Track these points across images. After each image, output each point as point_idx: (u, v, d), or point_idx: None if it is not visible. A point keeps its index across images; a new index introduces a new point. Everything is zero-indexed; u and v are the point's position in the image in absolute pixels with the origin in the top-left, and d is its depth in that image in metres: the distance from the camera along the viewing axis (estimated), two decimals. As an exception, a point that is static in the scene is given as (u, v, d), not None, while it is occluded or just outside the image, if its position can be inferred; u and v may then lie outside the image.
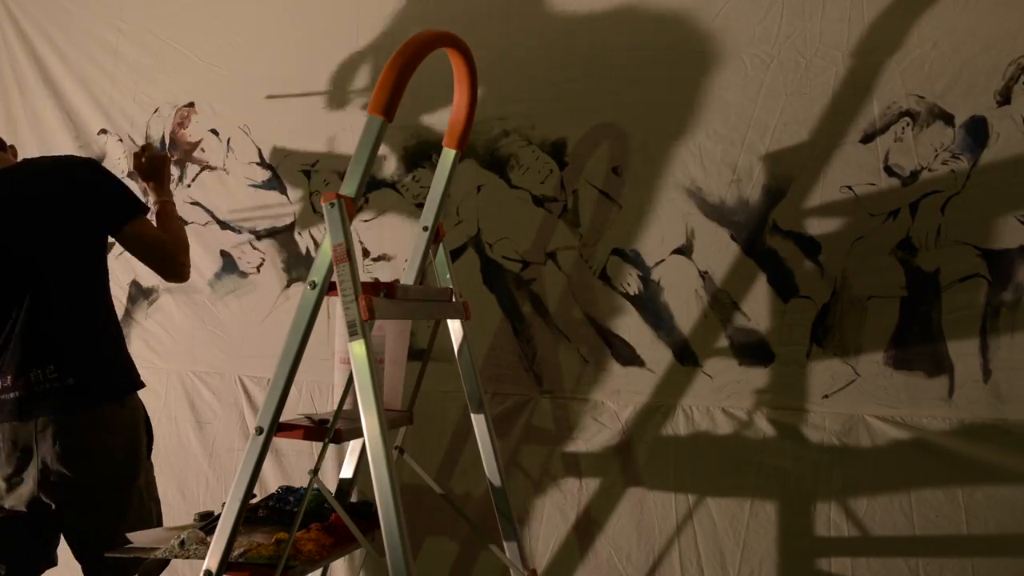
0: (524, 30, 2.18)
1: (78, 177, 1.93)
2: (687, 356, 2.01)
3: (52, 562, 1.99)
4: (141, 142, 2.71)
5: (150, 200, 2.19)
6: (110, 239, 1.99)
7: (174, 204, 2.17)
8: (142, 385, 1.99)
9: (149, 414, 2.03)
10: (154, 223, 2.07)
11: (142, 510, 1.94)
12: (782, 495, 1.91)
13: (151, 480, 2.02)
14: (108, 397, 1.88)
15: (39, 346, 1.84)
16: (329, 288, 1.49)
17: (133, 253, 1.99)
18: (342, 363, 1.74)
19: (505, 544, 1.80)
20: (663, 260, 2.04)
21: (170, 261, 2.00)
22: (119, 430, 1.90)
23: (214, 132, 2.58)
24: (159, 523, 2.00)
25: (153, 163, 2.15)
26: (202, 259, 2.57)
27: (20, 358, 1.83)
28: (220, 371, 2.52)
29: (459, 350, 1.81)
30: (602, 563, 2.06)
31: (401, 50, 1.52)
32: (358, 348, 1.40)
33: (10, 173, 1.96)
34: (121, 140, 2.74)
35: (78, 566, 1.95)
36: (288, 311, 2.40)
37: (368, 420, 1.38)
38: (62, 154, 2.06)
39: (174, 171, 2.64)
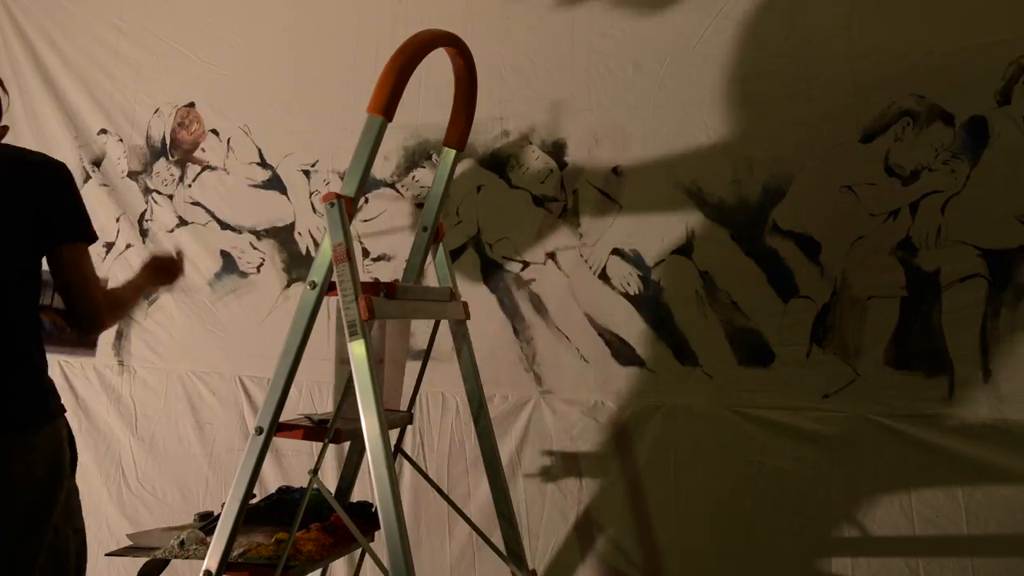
0: (524, 30, 2.18)
1: (37, 181, 1.65)
2: (687, 356, 2.01)
3: None
4: (140, 142, 2.70)
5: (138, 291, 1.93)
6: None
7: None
8: (52, 418, 1.67)
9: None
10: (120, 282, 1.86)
11: (57, 541, 1.66)
12: (782, 495, 1.91)
13: (74, 506, 1.74)
14: (18, 425, 1.60)
15: None
16: (329, 288, 1.49)
17: (58, 279, 1.65)
18: (342, 363, 1.74)
19: (505, 544, 1.80)
20: (663, 260, 2.04)
21: (93, 311, 1.66)
22: (34, 458, 1.62)
23: (214, 132, 2.58)
24: (80, 556, 1.72)
25: (172, 268, 1.95)
26: (202, 259, 2.57)
27: None
28: (220, 371, 2.52)
29: (459, 350, 1.81)
30: (602, 563, 2.06)
31: (401, 50, 1.52)
32: (358, 348, 1.40)
33: None
34: (121, 140, 2.74)
35: None
36: (288, 311, 2.40)
37: (368, 420, 1.38)
38: (33, 150, 1.75)
39: (175, 171, 2.64)
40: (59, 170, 1.70)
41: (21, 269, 1.64)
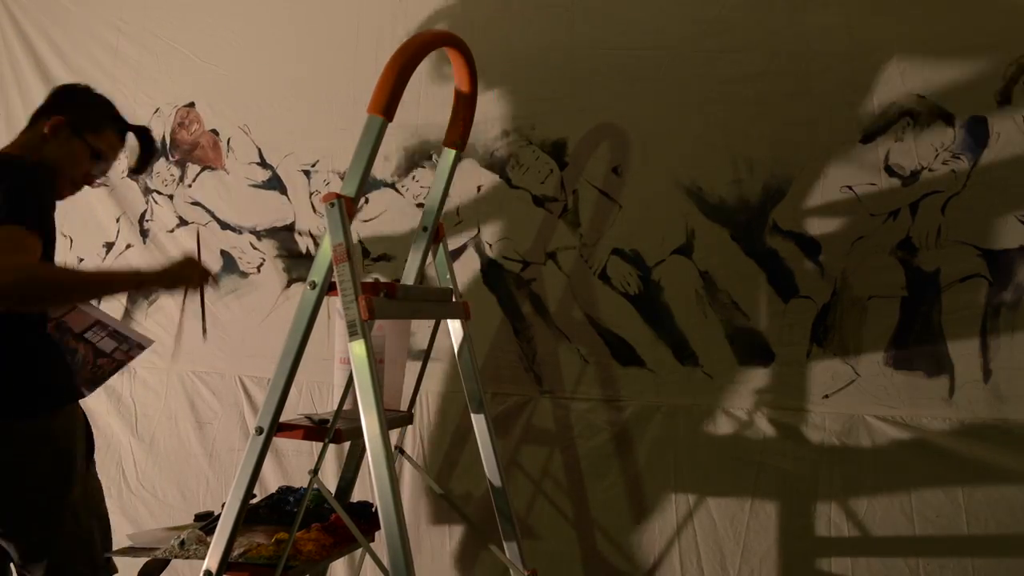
0: (524, 30, 2.18)
1: None
2: (687, 356, 2.01)
3: None
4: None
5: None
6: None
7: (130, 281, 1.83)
8: (67, 401, 1.77)
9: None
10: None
11: (78, 527, 1.75)
12: (782, 495, 1.91)
13: (92, 494, 1.83)
14: (24, 413, 1.68)
15: None
16: (329, 288, 1.49)
17: None
18: (342, 363, 1.74)
19: (505, 544, 1.80)
20: (663, 260, 2.04)
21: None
22: (43, 444, 1.70)
23: (214, 132, 2.58)
24: (105, 542, 1.82)
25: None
26: (203, 259, 2.57)
27: None
28: (220, 371, 2.52)
29: (459, 350, 1.81)
30: (602, 563, 2.06)
31: (401, 50, 1.52)
32: (358, 348, 1.40)
33: None
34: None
35: None
36: (288, 311, 2.40)
37: (368, 420, 1.38)
38: None
39: (175, 171, 2.64)
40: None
41: None
